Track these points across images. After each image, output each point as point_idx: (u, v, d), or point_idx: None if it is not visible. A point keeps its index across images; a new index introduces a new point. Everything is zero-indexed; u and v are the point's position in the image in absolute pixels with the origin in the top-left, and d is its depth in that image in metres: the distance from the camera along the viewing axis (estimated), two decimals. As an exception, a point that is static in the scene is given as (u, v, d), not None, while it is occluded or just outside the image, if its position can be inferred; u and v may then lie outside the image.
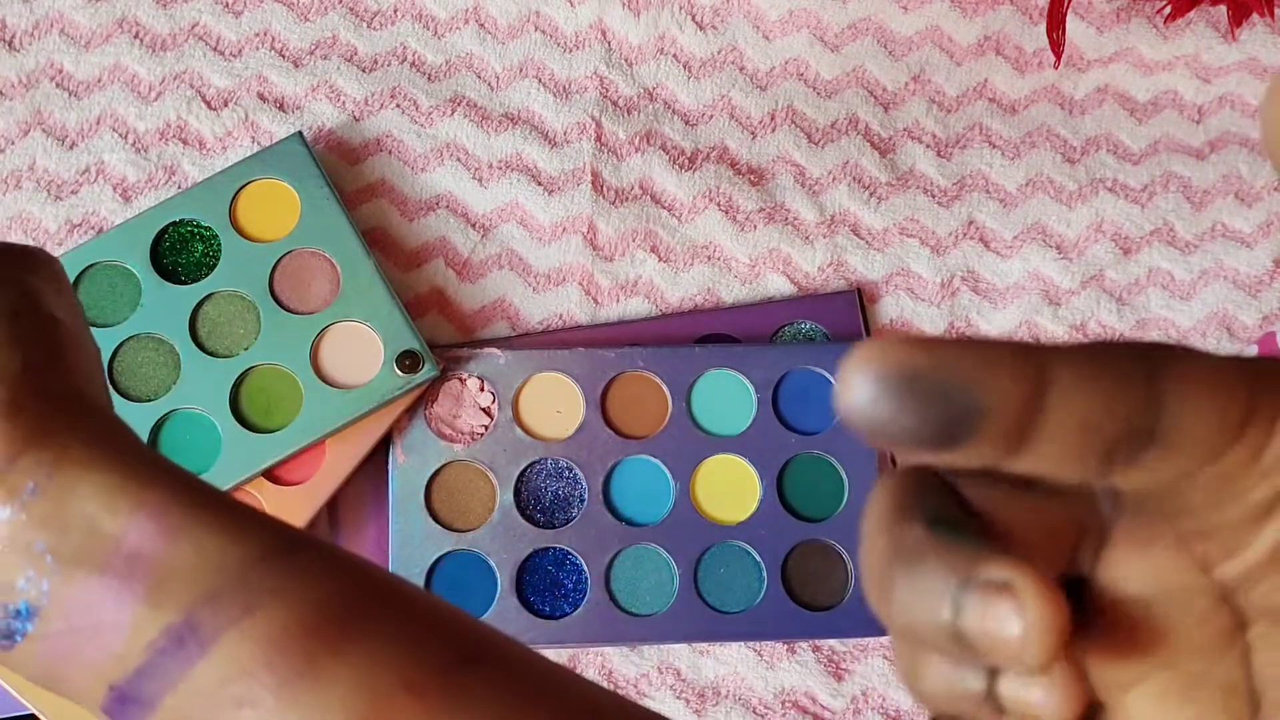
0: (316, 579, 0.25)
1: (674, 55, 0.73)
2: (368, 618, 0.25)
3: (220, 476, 0.62)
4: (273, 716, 0.23)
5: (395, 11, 0.72)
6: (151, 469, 0.26)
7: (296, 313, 0.64)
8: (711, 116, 0.73)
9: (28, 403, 0.25)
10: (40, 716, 0.60)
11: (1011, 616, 0.18)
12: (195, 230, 0.65)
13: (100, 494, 0.25)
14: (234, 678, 0.24)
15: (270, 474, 0.63)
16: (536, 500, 0.65)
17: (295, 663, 0.24)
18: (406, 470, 0.64)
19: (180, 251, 0.65)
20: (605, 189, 0.70)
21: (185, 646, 0.24)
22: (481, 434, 0.65)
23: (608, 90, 0.72)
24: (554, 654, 0.65)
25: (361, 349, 0.64)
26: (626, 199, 0.71)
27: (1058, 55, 0.71)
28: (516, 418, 0.65)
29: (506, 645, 0.26)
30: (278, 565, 0.25)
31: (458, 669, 0.24)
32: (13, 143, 0.68)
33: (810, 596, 0.65)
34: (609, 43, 0.73)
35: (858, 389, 0.18)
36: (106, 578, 0.24)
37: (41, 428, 0.25)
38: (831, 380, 0.66)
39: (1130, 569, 0.21)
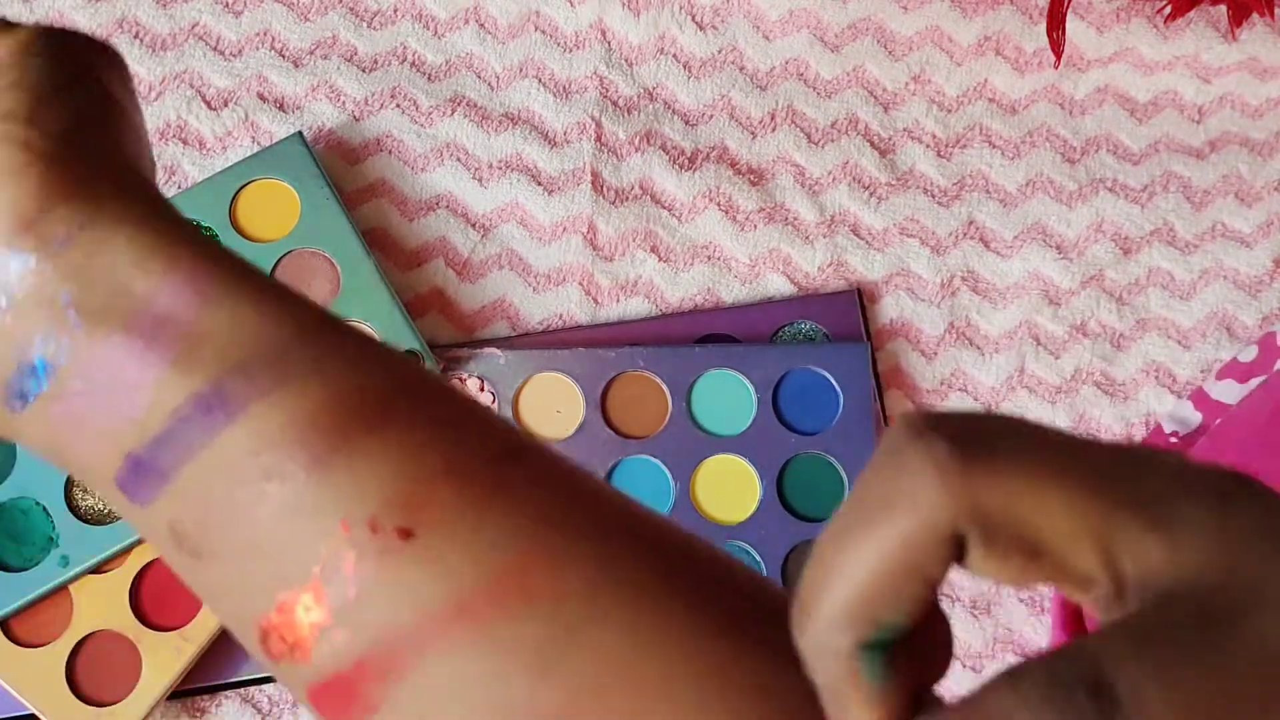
0: (356, 361, 0.24)
1: (674, 55, 0.73)
2: (411, 402, 0.23)
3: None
4: (302, 491, 0.22)
5: (395, 11, 0.72)
6: (192, 236, 0.24)
7: (296, 313, 0.64)
8: (711, 116, 0.73)
9: (71, 158, 0.24)
10: (40, 716, 0.60)
11: None
12: (195, 230, 0.65)
13: (134, 251, 0.23)
14: (262, 449, 0.22)
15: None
16: (536, 500, 0.65)
17: (331, 439, 0.22)
18: (406, 470, 0.64)
19: (180, 251, 0.65)
20: (605, 189, 0.70)
21: (212, 414, 0.23)
22: (481, 434, 0.65)
23: (608, 90, 0.72)
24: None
25: (361, 349, 0.64)
26: (626, 199, 0.71)
27: (1058, 55, 0.71)
28: (517, 418, 0.65)
29: (547, 448, 0.25)
30: (317, 342, 0.23)
31: (500, 461, 0.23)
32: (13, 143, 0.68)
33: (810, 596, 0.65)
34: (609, 43, 0.73)
35: None
36: (132, 338, 0.23)
37: (80, 182, 0.24)
38: (832, 380, 0.67)
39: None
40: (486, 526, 0.22)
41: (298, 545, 0.22)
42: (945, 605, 0.67)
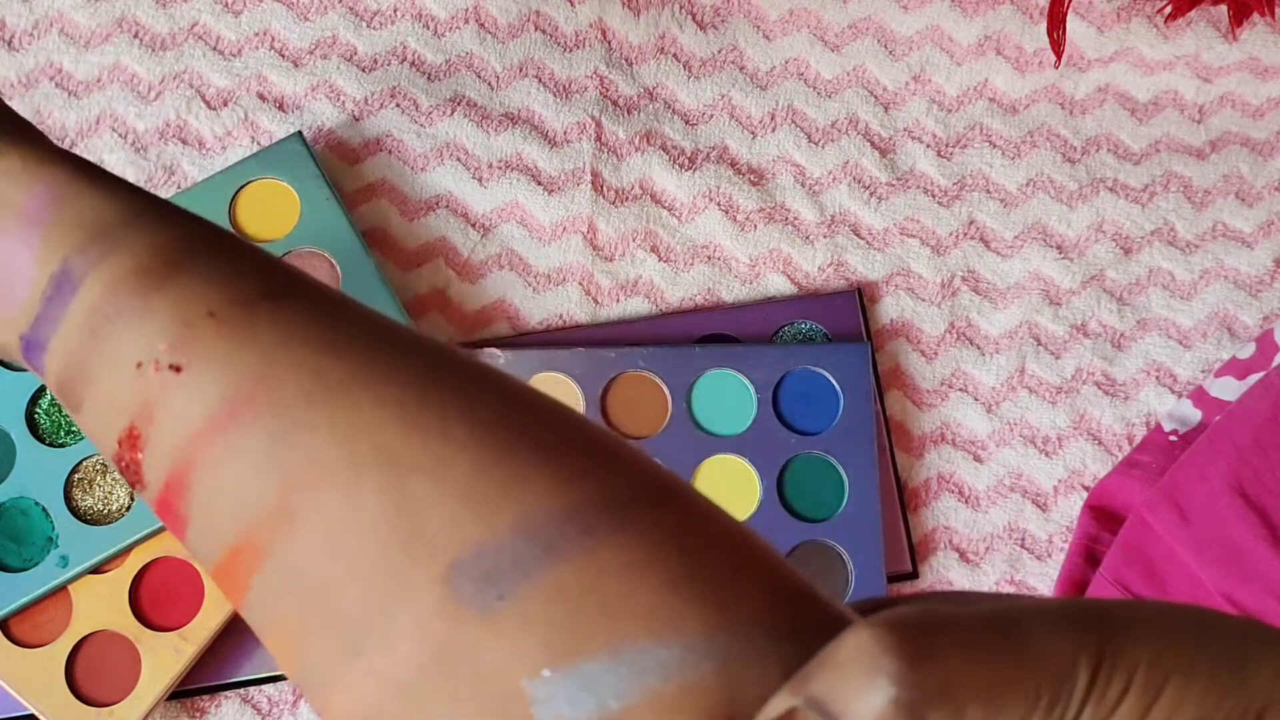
0: (159, 229, 0.29)
1: (674, 55, 0.73)
2: (192, 258, 0.28)
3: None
4: (118, 341, 0.28)
5: (395, 11, 0.72)
6: (53, 155, 0.31)
7: (296, 313, 0.64)
8: (711, 116, 0.73)
9: None
10: (40, 716, 0.60)
11: None
12: (195, 230, 0.65)
13: (9, 174, 0.30)
14: (93, 311, 0.28)
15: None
16: (536, 500, 0.65)
17: (133, 298, 0.28)
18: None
19: (180, 251, 0.65)
20: (605, 189, 0.70)
21: (62, 291, 0.28)
22: (481, 434, 0.65)
23: (608, 90, 0.72)
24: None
25: (361, 349, 0.64)
26: (626, 199, 0.70)
27: (1058, 55, 0.71)
28: (516, 418, 0.65)
29: (314, 285, 0.29)
30: (136, 221, 0.29)
31: (259, 300, 0.28)
32: (12, 143, 0.68)
33: (810, 597, 0.65)
34: (609, 42, 0.73)
35: None
36: (13, 239, 0.29)
37: None
38: (832, 380, 0.66)
39: None
40: (233, 356, 0.27)
41: (116, 387, 0.28)
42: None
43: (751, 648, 0.23)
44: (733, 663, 0.23)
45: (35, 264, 0.29)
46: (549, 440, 0.26)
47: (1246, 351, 0.68)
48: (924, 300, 0.70)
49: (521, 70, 0.72)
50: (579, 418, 0.28)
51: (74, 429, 0.63)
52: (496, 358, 0.65)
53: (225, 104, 0.70)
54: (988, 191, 0.73)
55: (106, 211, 0.29)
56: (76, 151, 0.68)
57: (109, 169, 0.72)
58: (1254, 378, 0.66)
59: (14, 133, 0.31)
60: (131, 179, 0.68)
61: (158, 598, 0.61)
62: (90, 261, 0.28)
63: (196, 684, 0.62)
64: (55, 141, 0.70)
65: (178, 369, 0.27)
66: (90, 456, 0.62)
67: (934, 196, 0.72)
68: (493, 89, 0.72)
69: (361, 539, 0.24)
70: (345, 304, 0.29)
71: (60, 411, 0.63)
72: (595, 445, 0.27)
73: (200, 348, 0.27)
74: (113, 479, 0.62)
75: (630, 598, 0.23)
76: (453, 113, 0.70)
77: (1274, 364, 0.66)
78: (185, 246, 0.29)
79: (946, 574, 0.67)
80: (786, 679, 0.22)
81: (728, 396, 0.66)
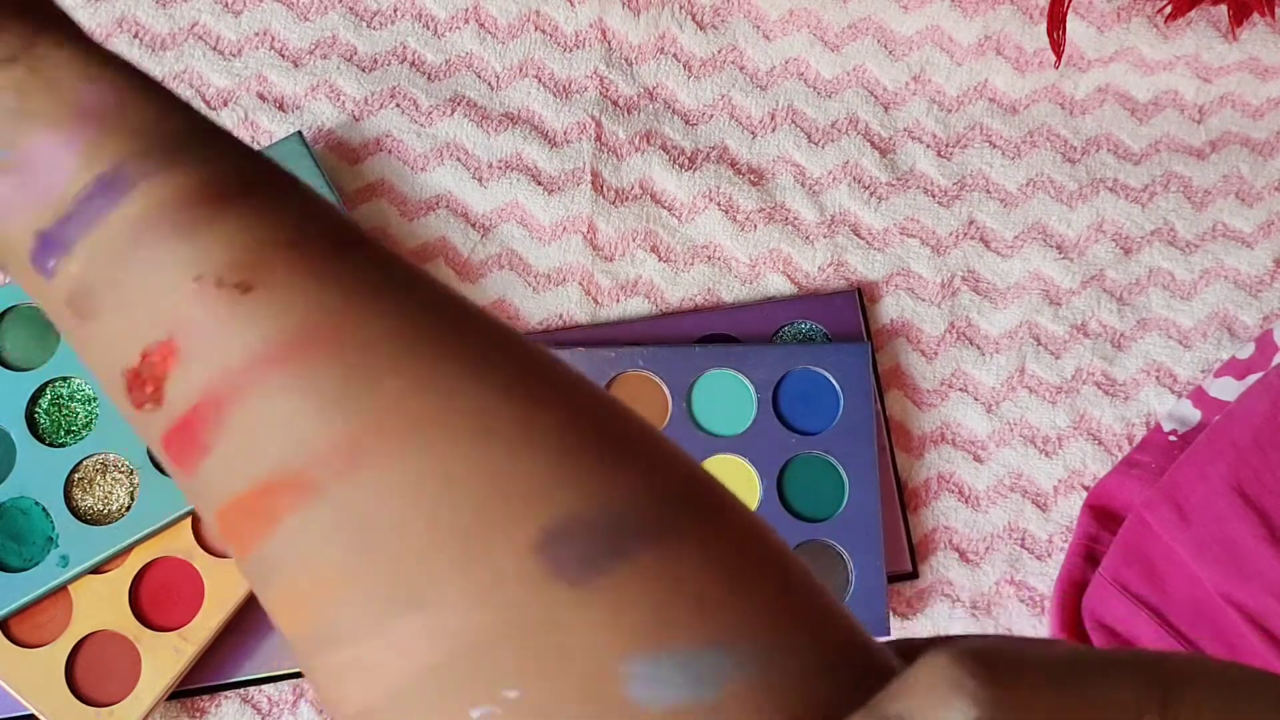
0: (229, 153, 0.27)
1: (674, 55, 0.73)
2: (271, 187, 0.27)
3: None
4: (167, 252, 0.26)
5: (395, 11, 0.72)
6: (117, 59, 0.28)
7: (296, 313, 0.64)
8: (711, 116, 0.73)
9: None
10: (40, 717, 0.60)
11: None
12: (195, 230, 0.65)
13: (69, 64, 0.27)
14: (143, 221, 0.26)
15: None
16: (536, 500, 0.65)
17: (197, 210, 0.26)
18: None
19: (180, 251, 0.65)
20: (605, 189, 0.70)
21: (108, 193, 0.26)
22: (481, 434, 0.65)
23: (608, 90, 0.72)
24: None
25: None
26: (626, 199, 0.70)
27: (1058, 55, 0.71)
28: (516, 418, 0.65)
29: (384, 249, 0.28)
30: (203, 139, 0.27)
31: (340, 244, 0.27)
32: (12, 143, 0.68)
33: (810, 597, 0.65)
34: (609, 42, 0.73)
35: None
36: (60, 130, 0.27)
37: (19, 13, 0.28)
38: (832, 380, 0.66)
39: None
40: (313, 290, 0.25)
41: (159, 298, 0.25)
42: (946, 606, 0.67)
43: (823, 663, 0.24)
44: (809, 674, 0.23)
45: (79, 159, 0.26)
46: (633, 432, 0.26)
47: (1246, 351, 0.68)
48: (924, 300, 0.70)
49: (521, 70, 0.72)
50: (643, 419, 0.28)
51: (74, 429, 0.63)
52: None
53: (225, 104, 0.70)
54: (988, 191, 0.73)
55: (174, 122, 0.27)
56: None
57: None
58: (1253, 378, 0.66)
59: (75, 34, 0.29)
60: (131, 179, 0.68)
61: (158, 598, 0.61)
62: (148, 170, 0.26)
63: (196, 684, 0.62)
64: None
65: (247, 288, 0.25)
66: (91, 456, 0.62)
67: (934, 196, 0.72)
68: (493, 89, 0.72)
69: (444, 492, 0.24)
70: (424, 273, 0.28)
71: (60, 411, 0.63)
72: (667, 443, 0.27)
73: (277, 272, 0.25)
74: (113, 479, 0.62)
75: (721, 596, 0.24)
76: (453, 113, 0.70)
77: (1273, 364, 0.66)
78: (258, 175, 0.27)
79: (946, 574, 0.67)
80: (852, 700, 0.23)
81: (728, 396, 0.66)
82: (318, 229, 0.27)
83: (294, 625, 0.25)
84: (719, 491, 0.27)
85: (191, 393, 0.25)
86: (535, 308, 0.69)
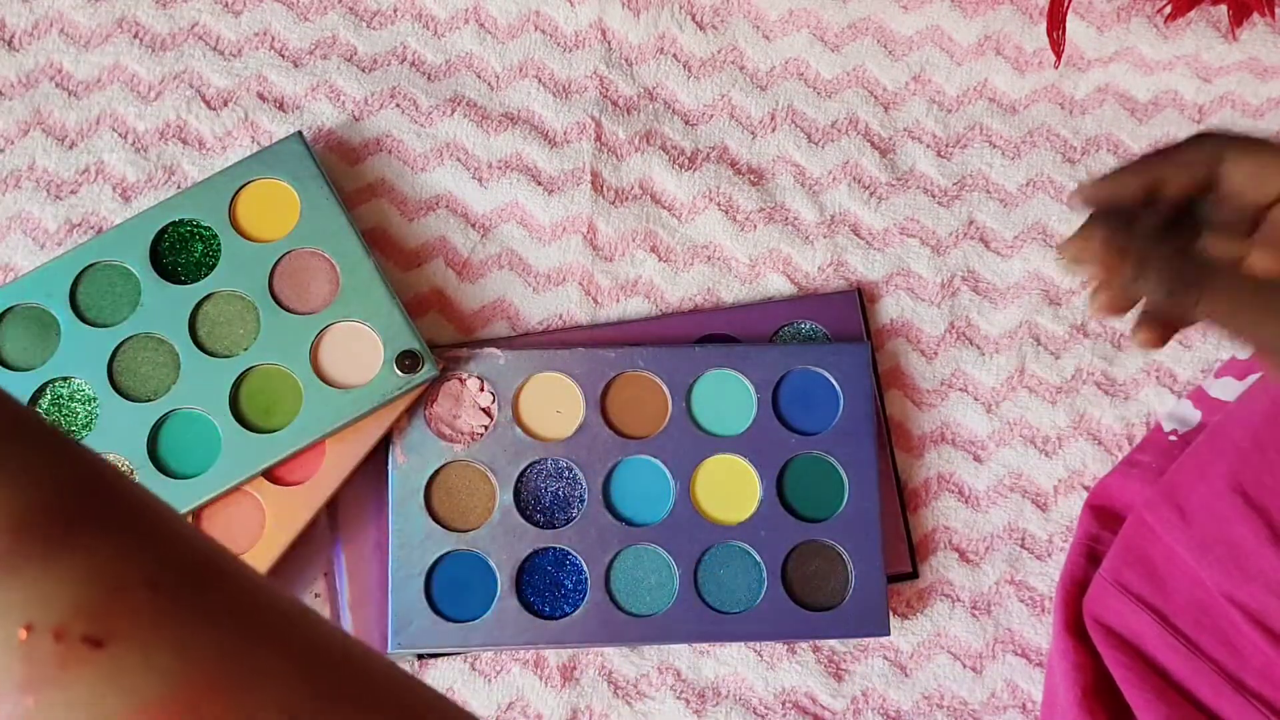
0: (60, 464, 0.23)
1: (674, 55, 0.73)
2: (113, 509, 0.23)
3: (220, 476, 0.62)
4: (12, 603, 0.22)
5: (395, 11, 0.72)
6: None
7: (296, 313, 0.64)
8: (711, 116, 0.73)
9: None
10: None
11: None
12: (195, 230, 0.65)
13: None
14: None
15: (270, 474, 0.63)
16: (536, 500, 0.65)
17: (25, 546, 0.22)
18: (406, 471, 0.64)
19: (180, 251, 0.65)
20: (605, 189, 0.70)
21: None
22: (481, 434, 0.65)
23: (608, 90, 0.72)
24: (554, 654, 0.65)
25: (361, 349, 0.64)
26: (626, 199, 0.70)
27: (1058, 55, 0.71)
28: (516, 418, 0.65)
29: (245, 569, 0.25)
30: (24, 450, 0.23)
31: (198, 579, 0.23)
32: (12, 143, 0.68)
33: (810, 597, 0.65)
34: (609, 43, 0.73)
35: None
36: None
37: None
38: (832, 380, 0.66)
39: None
40: (171, 645, 0.22)
41: None
42: (946, 606, 0.67)
43: None
44: None
45: None
46: None
47: (1246, 351, 0.68)
48: (924, 300, 0.70)
49: (521, 70, 0.72)
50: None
51: (74, 429, 0.63)
52: (496, 358, 0.65)
53: (225, 104, 0.70)
54: (988, 191, 0.73)
55: None
56: (76, 151, 0.68)
57: (109, 169, 0.72)
58: (1254, 378, 0.66)
59: None
60: (131, 179, 0.68)
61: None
62: None
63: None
64: (55, 141, 0.70)
65: (96, 644, 0.21)
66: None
67: (934, 196, 0.72)
68: (493, 89, 0.72)
69: None
70: (271, 591, 0.25)
71: (60, 411, 0.63)
72: None
73: (128, 622, 0.21)
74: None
75: None
76: (453, 113, 0.70)
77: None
78: (92, 487, 0.23)
79: (946, 574, 0.67)
80: None
81: (728, 396, 0.66)
82: (174, 560, 0.23)
83: None
84: None
85: None
86: (535, 308, 0.69)
